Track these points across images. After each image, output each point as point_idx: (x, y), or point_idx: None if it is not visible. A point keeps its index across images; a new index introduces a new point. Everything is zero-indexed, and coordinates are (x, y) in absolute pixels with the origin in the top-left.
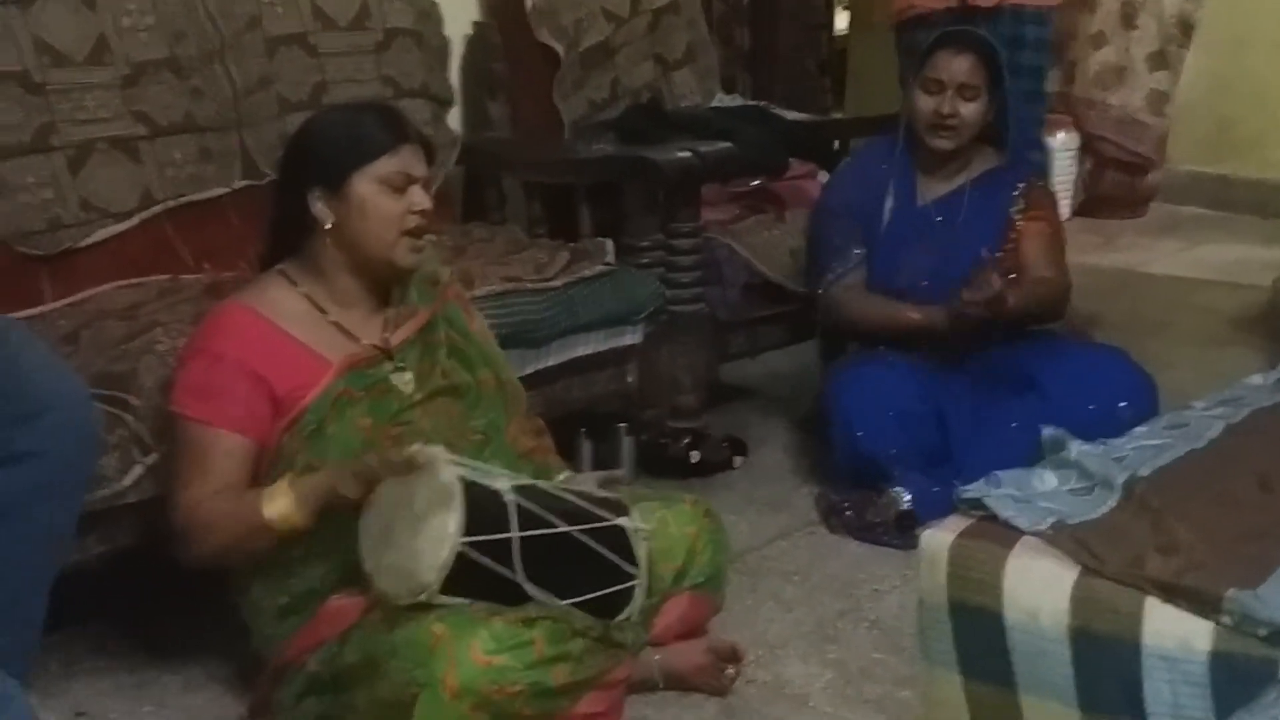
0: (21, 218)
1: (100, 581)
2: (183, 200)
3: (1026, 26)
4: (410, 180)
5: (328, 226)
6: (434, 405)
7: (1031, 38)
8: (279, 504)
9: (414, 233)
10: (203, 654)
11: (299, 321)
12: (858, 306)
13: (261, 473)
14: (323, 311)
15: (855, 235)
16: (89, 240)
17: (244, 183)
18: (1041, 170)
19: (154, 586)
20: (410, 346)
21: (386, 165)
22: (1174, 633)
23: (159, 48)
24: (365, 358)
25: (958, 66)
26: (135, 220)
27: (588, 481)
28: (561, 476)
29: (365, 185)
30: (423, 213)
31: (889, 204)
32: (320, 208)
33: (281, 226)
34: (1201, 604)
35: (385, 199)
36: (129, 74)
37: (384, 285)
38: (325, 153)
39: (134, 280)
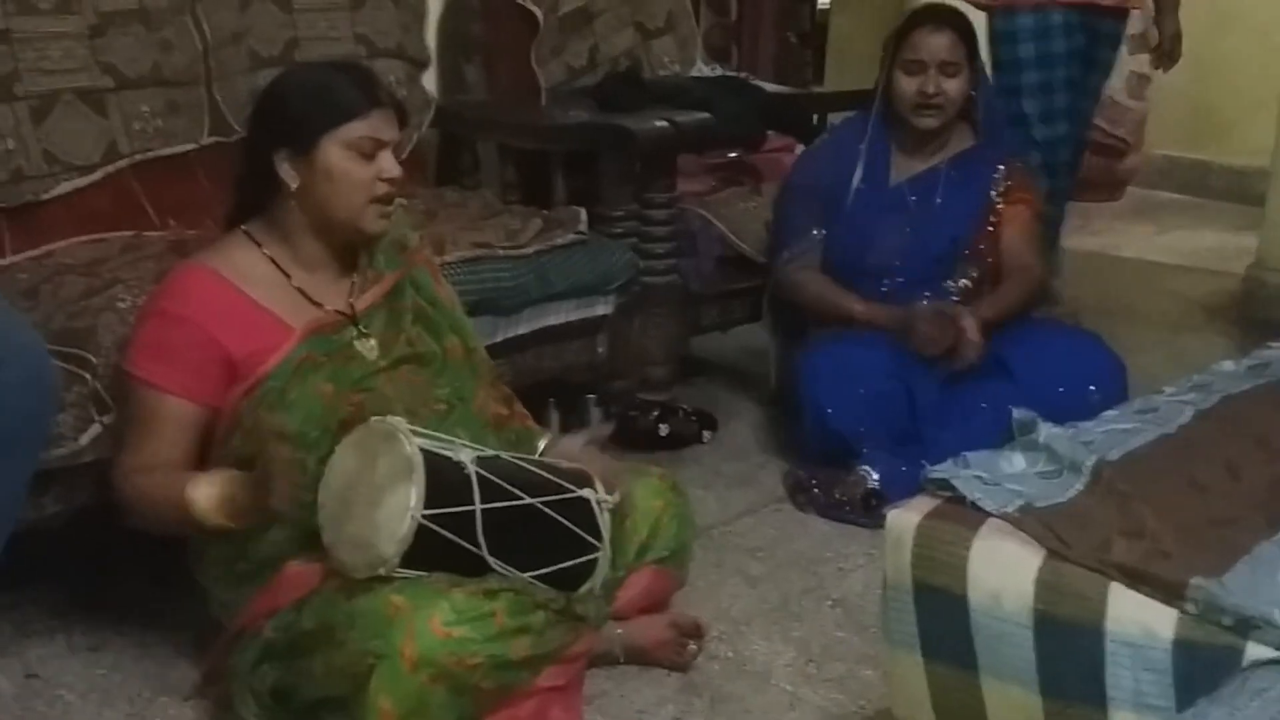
0: None
1: (56, 542)
2: (149, 155)
3: (1121, 23)
4: (380, 145)
5: (293, 188)
6: (398, 373)
7: (1114, 33)
8: (203, 498)
9: (382, 199)
10: (159, 618)
11: (261, 284)
12: (809, 288)
13: (217, 438)
14: (286, 275)
15: (817, 215)
16: (52, 193)
17: (212, 139)
18: (1069, 168)
19: (110, 548)
20: (375, 312)
21: (356, 129)
22: (1138, 619)
23: None
24: (328, 322)
25: (938, 44)
26: (99, 174)
27: (575, 443)
28: (543, 442)
29: (334, 150)
30: (391, 180)
31: (855, 182)
32: (286, 169)
33: (247, 185)
34: (1166, 591)
35: (353, 164)
36: (96, 24)
37: (350, 249)
38: (294, 113)
39: (97, 235)
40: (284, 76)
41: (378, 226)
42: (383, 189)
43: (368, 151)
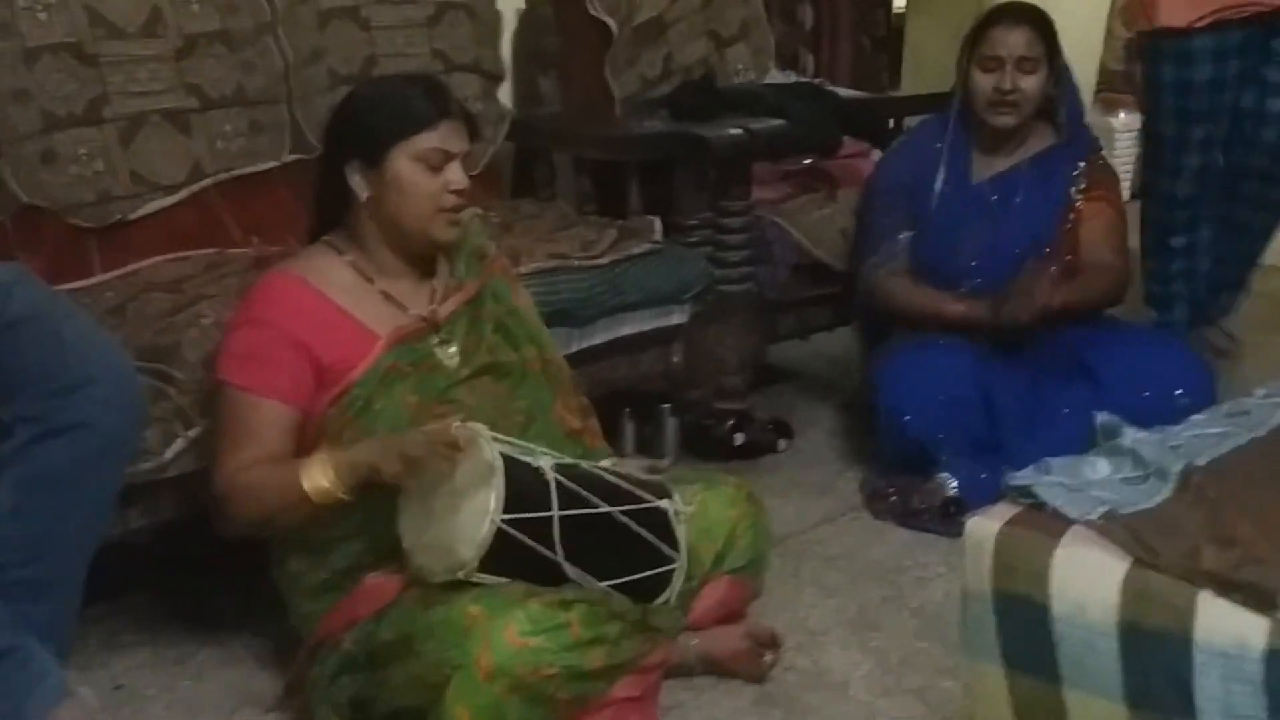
0: (72, 189)
1: (141, 555)
2: (232, 174)
3: None
4: (448, 157)
5: (364, 199)
6: (479, 384)
7: None
8: (317, 477)
9: (450, 210)
10: (242, 629)
11: (346, 291)
12: (901, 294)
13: (306, 445)
14: (369, 281)
15: (903, 218)
16: (139, 213)
17: (294, 156)
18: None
19: (194, 561)
20: (457, 319)
21: (425, 141)
22: (1228, 628)
23: (211, 20)
24: (412, 330)
25: (1015, 40)
26: (185, 193)
27: (632, 468)
28: (605, 463)
29: (402, 161)
30: (459, 191)
31: (939, 182)
32: (358, 181)
33: (324, 199)
34: (1258, 599)
35: (422, 176)
36: (181, 46)
37: (427, 258)
38: (364, 126)
39: (182, 253)
40: (356, 91)
41: (448, 234)
42: (450, 200)
43: (436, 164)
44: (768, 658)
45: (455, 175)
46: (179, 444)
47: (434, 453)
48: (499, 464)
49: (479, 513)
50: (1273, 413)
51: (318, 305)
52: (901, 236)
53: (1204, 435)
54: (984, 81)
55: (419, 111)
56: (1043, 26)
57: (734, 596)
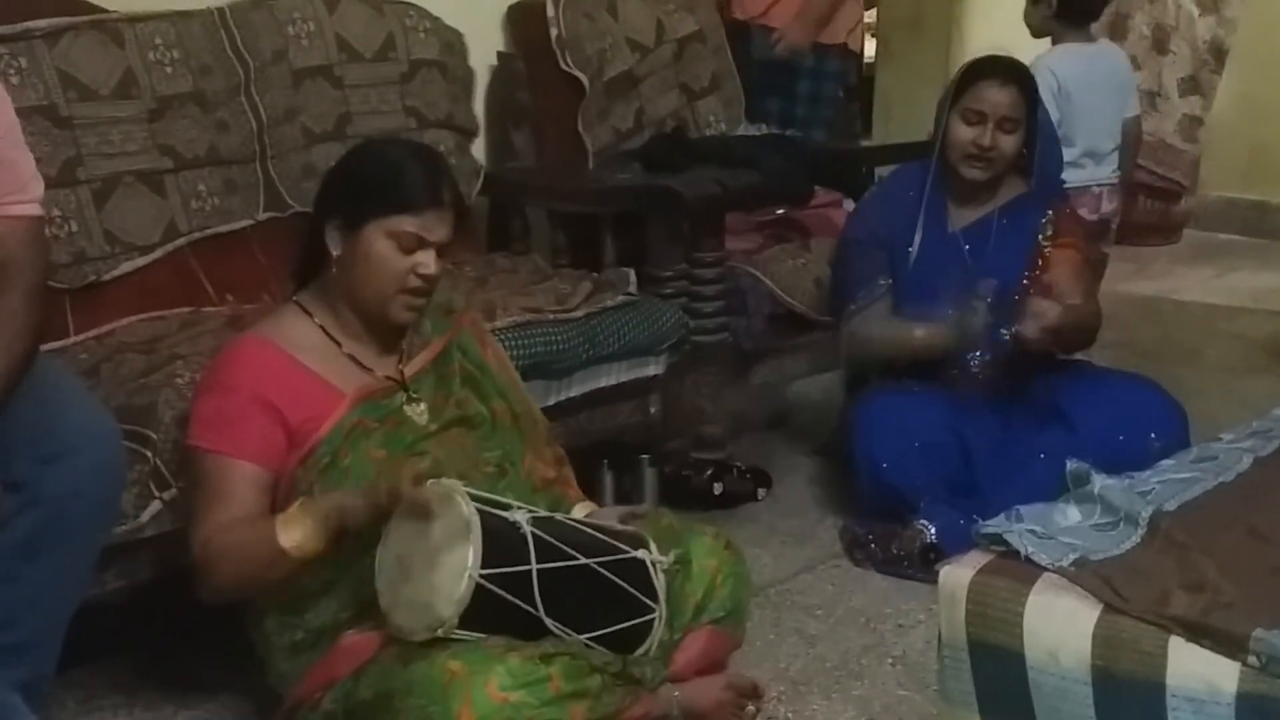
0: None
1: (118, 617)
2: (207, 233)
3: None
4: (424, 244)
5: (335, 256)
6: (448, 436)
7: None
8: (294, 530)
9: (413, 292)
10: (220, 690)
11: (314, 353)
12: (868, 327)
13: (277, 506)
14: (337, 343)
15: (881, 265)
16: (113, 273)
17: (268, 215)
18: None
19: (171, 622)
20: (424, 377)
21: (405, 224)
22: (1199, 673)
23: (185, 81)
24: (379, 388)
25: (1002, 99)
26: (159, 253)
27: (609, 516)
28: (578, 510)
29: (378, 236)
30: (426, 277)
31: (919, 231)
32: (334, 237)
33: (305, 250)
34: (1228, 644)
35: (392, 254)
36: (155, 108)
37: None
38: (355, 189)
39: (156, 313)
40: (363, 150)
41: (404, 317)
42: (415, 283)
43: (409, 246)
44: (750, 709)
45: (426, 260)
46: (155, 505)
47: (399, 497)
48: (475, 519)
49: (457, 569)
50: (1238, 458)
51: (285, 367)
52: (882, 282)
53: (1172, 480)
54: (964, 133)
55: (410, 193)
56: (1028, 86)
57: (715, 647)
